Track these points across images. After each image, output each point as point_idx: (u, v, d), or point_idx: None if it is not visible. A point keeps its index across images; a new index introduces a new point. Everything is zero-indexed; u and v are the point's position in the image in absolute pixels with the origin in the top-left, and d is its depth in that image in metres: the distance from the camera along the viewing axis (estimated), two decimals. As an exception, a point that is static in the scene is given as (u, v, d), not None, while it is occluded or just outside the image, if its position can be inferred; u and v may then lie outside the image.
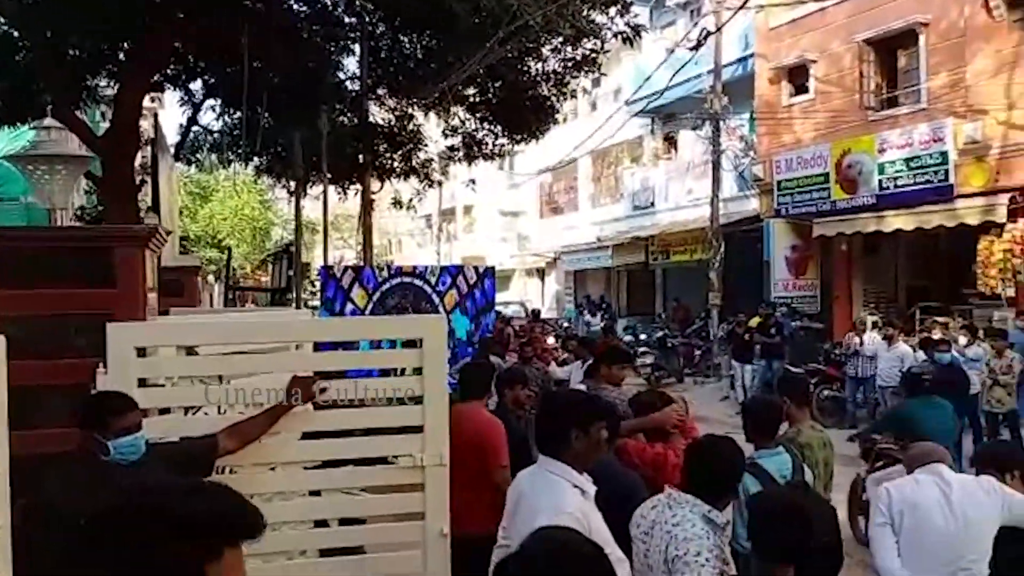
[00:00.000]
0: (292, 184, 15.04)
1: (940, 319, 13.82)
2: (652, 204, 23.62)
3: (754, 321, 14.88)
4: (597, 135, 19.20)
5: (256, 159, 15.28)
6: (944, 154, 13.75)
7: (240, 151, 13.81)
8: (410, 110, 15.38)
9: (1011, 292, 12.90)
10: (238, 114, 12.69)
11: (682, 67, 14.88)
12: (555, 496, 2.63)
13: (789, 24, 17.36)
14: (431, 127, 16.61)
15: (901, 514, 3.49)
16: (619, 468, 3.64)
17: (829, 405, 12.81)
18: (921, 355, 10.73)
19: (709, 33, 13.83)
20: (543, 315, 23.34)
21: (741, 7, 12.54)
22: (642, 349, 17.75)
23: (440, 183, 17.85)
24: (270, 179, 18.96)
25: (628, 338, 18.55)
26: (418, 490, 3.33)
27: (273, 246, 33.38)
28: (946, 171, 13.72)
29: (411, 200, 16.14)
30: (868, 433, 8.92)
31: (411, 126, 15.47)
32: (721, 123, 18.12)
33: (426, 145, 15.71)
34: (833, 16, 16.30)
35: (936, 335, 11.58)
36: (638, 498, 3.21)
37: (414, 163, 15.69)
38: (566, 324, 23.18)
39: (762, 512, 2.55)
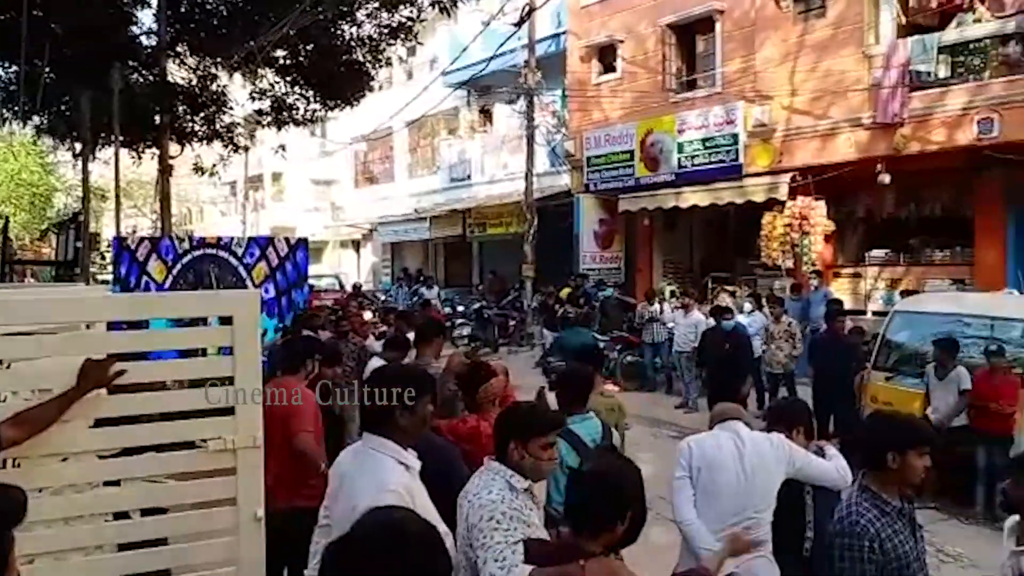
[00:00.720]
0: (78, 146, 13.78)
1: (729, 288, 15.05)
2: (469, 177, 23.81)
3: (564, 292, 15.43)
4: (413, 105, 19.02)
5: (36, 118, 13.93)
6: (735, 135, 14.83)
7: (17, 108, 12.53)
8: (214, 70, 14.51)
9: (790, 263, 14.22)
10: (14, 68, 11.50)
11: (505, 41, 15.02)
12: (378, 474, 2.61)
13: (599, 3, 17.94)
14: (237, 89, 15.73)
15: (699, 468, 3.73)
16: (438, 441, 3.65)
17: (630, 370, 13.58)
18: (712, 321, 11.63)
19: (532, 10, 14.03)
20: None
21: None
22: (459, 320, 17.98)
23: (246, 148, 17.00)
24: (53, 140, 17.35)
25: (446, 310, 18.71)
26: (230, 474, 3.18)
27: (57, 215, 30.76)
28: (736, 151, 14.81)
29: (214, 166, 15.22)
30: (545, 358, 12.20)
31: (215, 87, 14.61)
32: (535, 98, 18.49)
33: (231, 108, 14.90)
34: (640, -2, 17.02)
35: (724, 303, 12.57)
36: (458, 471, 3.25)
37: (218, 126, 14.86)
38: (383, 297, 22.99)
39: (578, 483, 2.64)
